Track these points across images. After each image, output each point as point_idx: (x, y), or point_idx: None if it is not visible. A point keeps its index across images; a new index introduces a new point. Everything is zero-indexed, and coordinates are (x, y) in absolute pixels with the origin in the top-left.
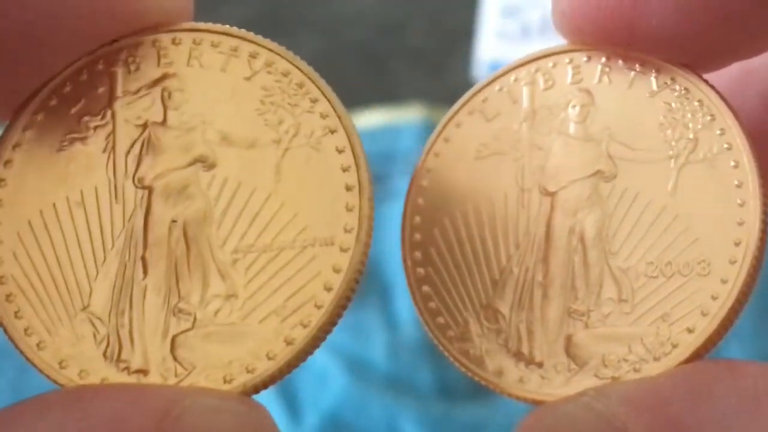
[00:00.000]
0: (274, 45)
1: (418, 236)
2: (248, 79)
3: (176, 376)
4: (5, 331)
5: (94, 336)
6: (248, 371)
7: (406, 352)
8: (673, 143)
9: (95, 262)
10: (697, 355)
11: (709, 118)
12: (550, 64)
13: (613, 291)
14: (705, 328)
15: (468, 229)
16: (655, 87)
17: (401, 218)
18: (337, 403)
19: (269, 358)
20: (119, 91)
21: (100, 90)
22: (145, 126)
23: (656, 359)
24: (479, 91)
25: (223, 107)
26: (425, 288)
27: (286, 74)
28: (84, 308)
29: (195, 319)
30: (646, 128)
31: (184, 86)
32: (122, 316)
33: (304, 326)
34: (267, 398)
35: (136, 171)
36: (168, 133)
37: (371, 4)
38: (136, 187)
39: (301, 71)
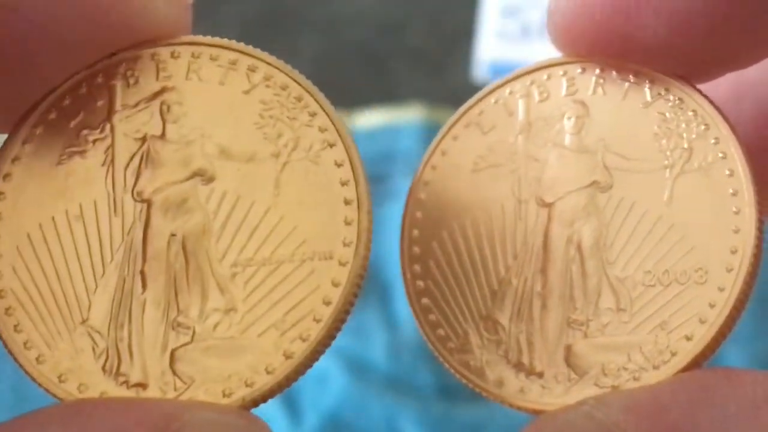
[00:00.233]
0: (272, 59)
1: (416, 249)
2: (247, 92)
3: (175, 390)
4: (4, 344)
5: (93, 350)
6: (247, 385)
7: (406, 352)
8: (668, 153)
9: (94, 275)
10: (696, 363)
11: (703, 127)
12: (545, 77)
13: (611, 300)
14: (703, 335)
15: (466, 241)
16: (649, 98)
17: (400, 231)
18: (337, 403)
19: (268, 372)
20: (118, 105)
21: (99, 103)
22: (144, 139)
23: (655, 367)
24: (475, 104)
25: (222, 121)
26: (425, 300)
27: (284, 88)
28: (83, 322)
29: (194, 332)
30: (641, 138)
31: (183, 99)
32: (121, 329)
33: (304, 340)
34: None
35: (135, 184)
36: (167, 147)
37: (371, 4)
38: (135, 200)
39: (300, 85)
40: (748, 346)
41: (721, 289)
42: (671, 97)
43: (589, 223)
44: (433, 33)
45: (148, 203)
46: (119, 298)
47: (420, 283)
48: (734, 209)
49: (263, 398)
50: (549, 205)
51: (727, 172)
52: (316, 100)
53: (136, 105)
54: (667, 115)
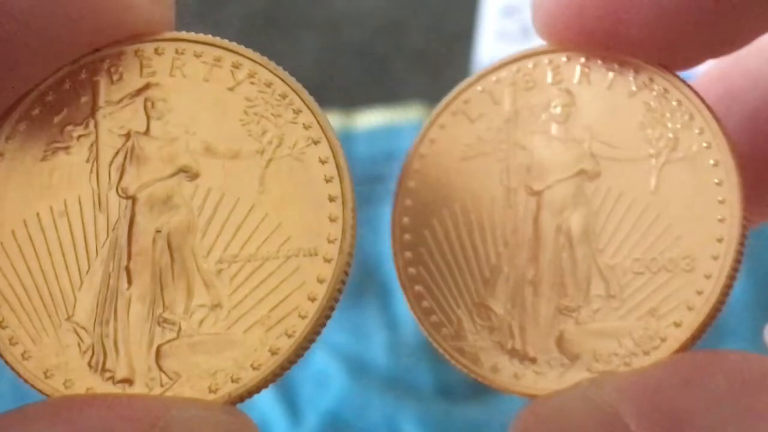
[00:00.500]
0: (256, 55)
1: (408, 237)
2: (231, 89)
3: (161, 385)
4: None
5: (79, 345)
6: (233, 381)
7: (406, 352)
8: (653, 142)
9: (79, 272)
10: (684, 348)
11: (687, 117)
12: (530, 65)
13: (601, 287)
14: (691, 322)
15: (457, 229)
16: (634, 87)
17: (390, 219)
18: (337, 403)
19: (254, 368)
20: (102, 101)
21: (83, 99)
22: (128, 136)
23: (646, 353)
24: (461, 92)
25: (207, 117)
26: (417, 287)
27: (269, 85)
28: (68, 318)
29: (180, 329)
30: (627, 128)
31: (167, 96)
32: (107, 325)
33: (289, 336)
34: (267, 398)
35: (119, 181)
36: (151, 143)
37: (371, 5)
38: (120, 197)
39: (284, 82)
40: (750, 344)
41: (708, 277)
42: (656, 87)
43: (577, 212)
44: (433, 33)
45: (133, 200)
46: (105, 295)
47: (412, 270)
48: (719, 198)
49: (249, 394)
50: (538, 194)
51: (712, 162)
52: (300, 97)
53: (120, 101)
54: (652, 104)
